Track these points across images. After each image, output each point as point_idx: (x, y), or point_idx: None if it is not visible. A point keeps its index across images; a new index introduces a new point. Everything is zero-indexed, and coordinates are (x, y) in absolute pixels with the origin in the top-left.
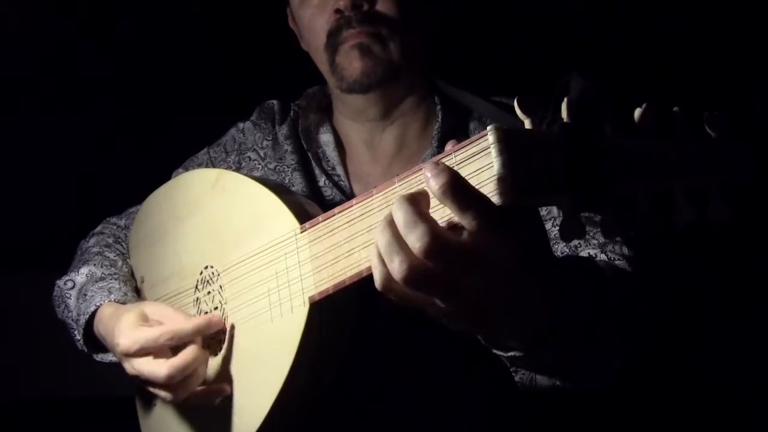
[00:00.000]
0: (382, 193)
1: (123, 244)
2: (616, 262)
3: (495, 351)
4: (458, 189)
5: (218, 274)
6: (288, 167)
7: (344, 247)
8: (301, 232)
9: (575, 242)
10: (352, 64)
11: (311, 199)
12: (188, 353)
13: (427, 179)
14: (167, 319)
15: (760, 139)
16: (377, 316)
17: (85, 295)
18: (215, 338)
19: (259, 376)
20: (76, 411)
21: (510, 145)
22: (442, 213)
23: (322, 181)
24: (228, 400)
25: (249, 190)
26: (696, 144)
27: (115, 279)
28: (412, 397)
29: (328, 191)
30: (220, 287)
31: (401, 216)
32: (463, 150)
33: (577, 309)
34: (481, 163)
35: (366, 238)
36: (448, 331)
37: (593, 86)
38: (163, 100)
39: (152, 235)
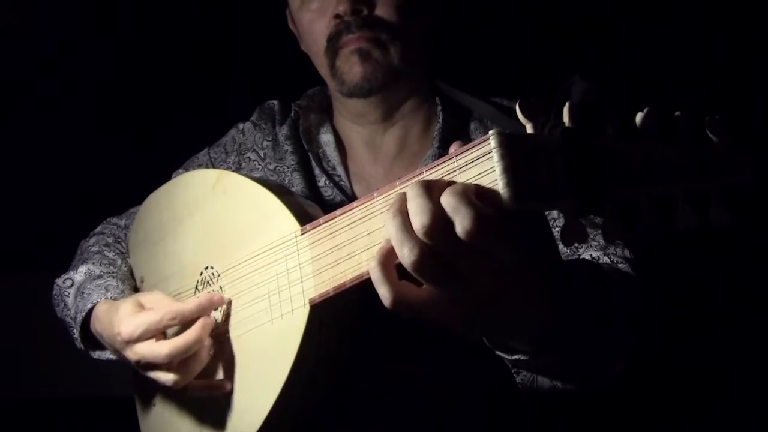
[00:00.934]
0: (384, 195)
1: (123, 243)
2: (619, 265)
3: (499, 353)
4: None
5: (218, 275)
6: (288, 167)
7: (345, 250)
8: (302, 234)
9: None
10: (353, 69)
11: (311, 200)
12: (191, 332)
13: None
14: (164, 305)
15: (761, 143)
16: (377, 318)
17: (83, 293)
18: (215, 338)
19: (260, 377)
20: (76, 411)
21: (511, 149)
22: None
23: (322, 181)
24: (228, 400)
25: (250, 191)
26: (697, 148)
27: (113, 277)
28: (413, 397)
29: (329, 192)
30: (221, 288)
31: (413, 196)
32: (465, 154)
33: (583, 314)
34: (482, 167)
35: (367, 241)
36: (448, 331)
37: (595, 90)
38: (163, 100)
39: (152, 236)
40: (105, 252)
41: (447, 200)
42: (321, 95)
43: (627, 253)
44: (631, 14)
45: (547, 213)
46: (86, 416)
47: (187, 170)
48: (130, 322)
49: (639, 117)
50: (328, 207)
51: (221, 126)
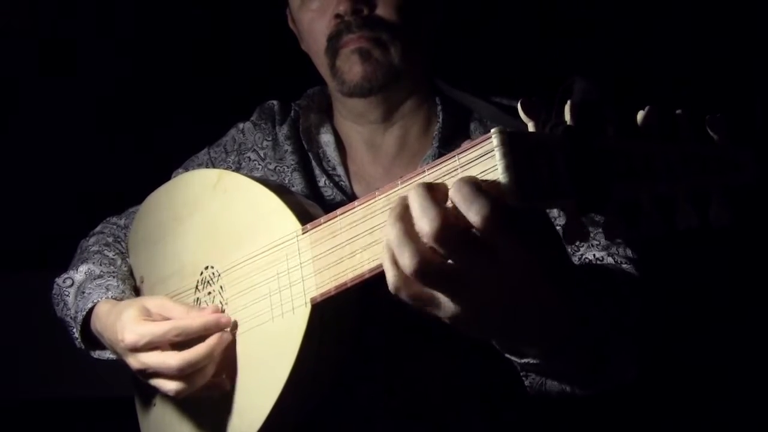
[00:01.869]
0: (385, 195)
1: (122, 243)
2: (623, 265)
3: (508, 356)
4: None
5: (219, 275)
6: (288, 167)
7: (346, 249)
8: (303, 234)
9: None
10: (353, 68)
11: (311, 200)
12: (202, 348)
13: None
14: (169, 311)
15: (762, 142)
16: (377, 317)
17: (83, 292)
18: None
19: (260, 376)
20: (76, 411)
21: (514, 147)
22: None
23: (322, 181)
24: (228, 399)
25: (250, 190)
26: (698, 147)
27: (114, 277)
28: (413, 397)
29: (329, 191)
30: (221, 288)
31: (417, 200)
32: (467, 152)
33: (596, 320)
34: (484, 165)
35: (368, 240)
36: (448, 332)
37: (596, 89)
38: (163, 100)
39: (152, 235)
40: (105, 252)
41: (460, 193)
42: (321, 95)
43: (630, 252)
44: (632, 14)
45: (548, 212)
46: (86, 416)
47: (187, 170)
48: (135, 330)
49: (640, 115)
50: (328, 207)
51: (221, 126)
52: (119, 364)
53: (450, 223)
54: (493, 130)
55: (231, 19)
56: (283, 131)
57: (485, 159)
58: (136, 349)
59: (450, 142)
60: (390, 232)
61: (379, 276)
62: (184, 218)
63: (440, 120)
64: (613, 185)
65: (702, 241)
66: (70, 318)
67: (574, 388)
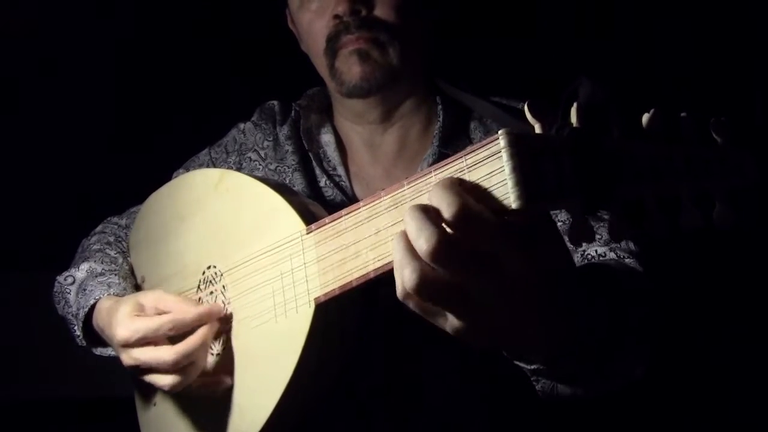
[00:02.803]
0: (390, 195)
1: (123, 243)
2: (626, 260)
3: (517, 363)
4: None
5: (221, 275)
6: (289, 168)
7: (351, 249)
8: (307, 233)
9: None
10: (352, 69)
11: (313, 200)
12: (194, 339)
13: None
14: (164, 304)
15: (763, 145)
16: (378, 317)
17: (85, 289)
18: (217, 337)
19: (263, 376)
20: (76, 411)
21: (520, 149)
22: None
23: (323, 181)
24: (229, 399)
25: (253, 190)
26: (702, 149)
27: (115, 274)
28: (413, 397)
29: (329, 192)
30: (223, 287)
31: (411, 222)
32: (474, 154)
33: (601, 323)
34: (491, 166)
35: (373, 240)
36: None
37: (601, 91)
38: (163, 100)
39: (154, 235)
40: (107, 250)
41: (433, 191)
42: (321, 95)
43: (632, 246)
44: (632, 14)
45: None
46: (86, 416)
47: (187, 170)
48: (128, 326)
49: (645, 118)
50: (329, 207)
51: (221, 126)
52: (120, 364)
53: (450, 239)
54: (500, 132)
55: (231, 19)
56: (283, 131)
57: (492, 160)
58: (128, 345)
59: (450, 141)
60: (395, 251)
61: (382, 275)
62: (186, 217)
63: (440, 119)
64: (618, 186)
65: (702, 242)
66: (72, 315)
67: (584, 391)
